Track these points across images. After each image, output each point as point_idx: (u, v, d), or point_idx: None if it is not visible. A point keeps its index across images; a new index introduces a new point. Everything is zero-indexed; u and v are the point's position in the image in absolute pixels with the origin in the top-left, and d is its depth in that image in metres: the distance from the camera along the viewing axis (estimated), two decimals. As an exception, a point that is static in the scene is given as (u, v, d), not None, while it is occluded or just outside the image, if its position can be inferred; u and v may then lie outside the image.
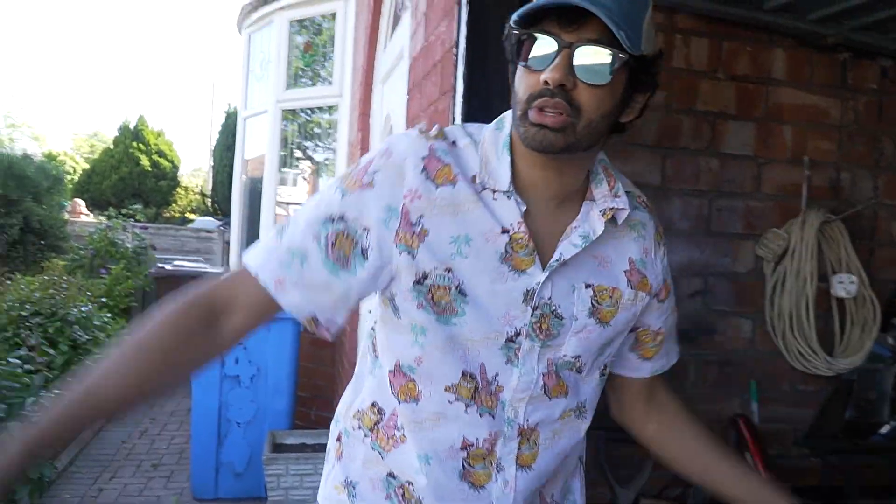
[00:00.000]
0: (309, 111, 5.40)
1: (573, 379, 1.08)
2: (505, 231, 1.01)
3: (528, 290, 1.02)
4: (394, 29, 3.41)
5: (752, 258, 2.67)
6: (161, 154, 23.50)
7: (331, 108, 5.05)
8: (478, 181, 1.00)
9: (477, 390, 1.05)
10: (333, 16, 4.77)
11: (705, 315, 2.63)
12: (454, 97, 1.53)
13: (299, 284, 0.97)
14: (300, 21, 5.13)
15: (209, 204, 22.30)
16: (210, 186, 23.43)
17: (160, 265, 7.70)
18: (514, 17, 0.97)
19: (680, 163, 2.58)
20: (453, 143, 1.02)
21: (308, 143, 5.68)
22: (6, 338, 4.56)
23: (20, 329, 4.62)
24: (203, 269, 7.61)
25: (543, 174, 1.03)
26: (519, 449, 1.07)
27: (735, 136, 2.62)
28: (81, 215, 17.16)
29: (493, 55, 1.46)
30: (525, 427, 1.07)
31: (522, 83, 0.97)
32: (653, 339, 1.16)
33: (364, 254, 0.97)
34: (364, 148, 3.69)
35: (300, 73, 5.21)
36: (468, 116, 1.50)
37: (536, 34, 0.96)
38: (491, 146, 1.03)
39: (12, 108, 50.46)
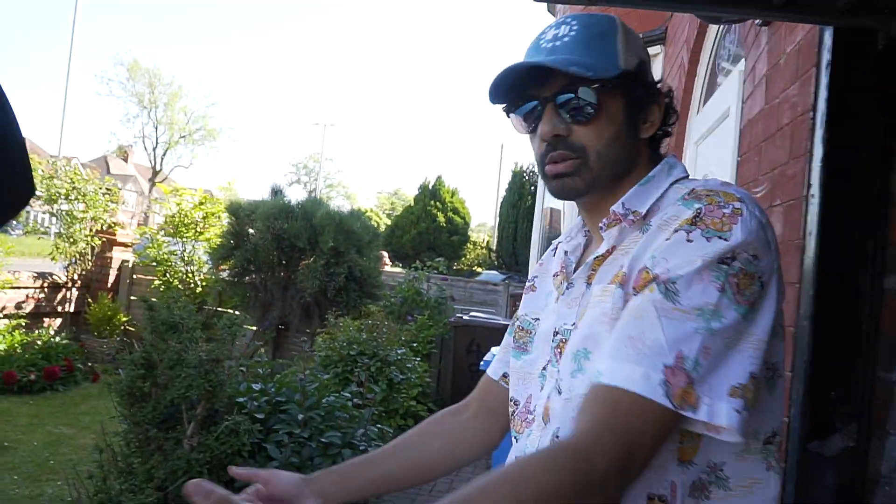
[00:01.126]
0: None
1: (556, 401, 1.02)
2: (555, 274, 1.15)
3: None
4: (709, 92, 3.39)
5: None
6: (455, 211, 25.31)
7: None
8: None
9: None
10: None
11: None
12: (810, 161, 1.49)
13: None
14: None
15: (494, 258, 23.46)
16: (495, 241, 24.69)
17: (458, 315, 8.24)
18: (491, 100, 1.06)
19: None
20: None
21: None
22: (337, 373, 5.21)
23: (349, 366, 5.25)
24: (495, 321, 7.99)
25: (589, 216, 1.12)
26: None
27: None
28: (386, 266, 19.04)
29: (853, 118, 1.41)
30: None
31: (534, 149, 1.08)
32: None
33: None
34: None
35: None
36: (826, 179, 1.46)
37: (517, 105, 1.06)
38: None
39: (329, 171, 58.06)
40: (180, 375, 3.38)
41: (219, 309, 8.51)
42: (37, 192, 9.27)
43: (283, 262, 8.38)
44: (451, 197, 25.54)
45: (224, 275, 8.58)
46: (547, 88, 1.02)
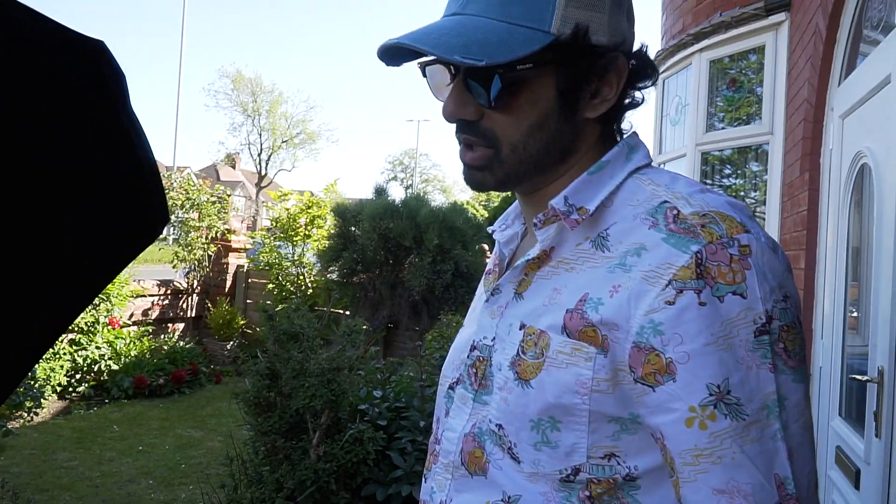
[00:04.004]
0: (726, 153, 5.17)
1: (502, 463, 0.79)
2: (489, 272, 0.94)
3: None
4: (852, 60, 3.06)
5: None
6: (554, 198, 25.00)
7: (754, 154, 4.76)
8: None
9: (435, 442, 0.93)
10: (762, 49, 4.50)
11: None
12: None
13: None
14: (720, 60, 4.96)
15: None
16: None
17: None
18: (387, 62, 0.82)
19: None
20: None
21: (724, 190, 5.44)
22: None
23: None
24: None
25: (524, 204, 0.91)
26: None
27: None
28: (488, 257, 19.00)
29: None
30: None
31: None
32: (666, 456, 0.75)
33: None
34: (812, 189, 3.36)
35: (721, 113, 5.02)
36: None
37: (428, 66, 0.82)
38: None
39: (425, 167, 58.60)
40: (304, 385, 3.37)
41: (331, 310, 8.63)
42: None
43: (390, 261, 8.42)
44: (550, 185, 25.21)
45: (333, 276, 8.70)
46: None
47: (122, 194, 0.78)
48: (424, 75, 0.85)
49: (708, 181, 5.24)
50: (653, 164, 0.87)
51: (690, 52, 5.06)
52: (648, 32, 9.50)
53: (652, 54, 0.88)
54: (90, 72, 0.72)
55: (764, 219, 4.47)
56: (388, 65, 0.83)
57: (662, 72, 5.65)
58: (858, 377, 2.25)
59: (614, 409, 0.75)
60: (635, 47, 0.87)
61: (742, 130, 4.72)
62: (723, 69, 4.96)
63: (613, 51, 0.81)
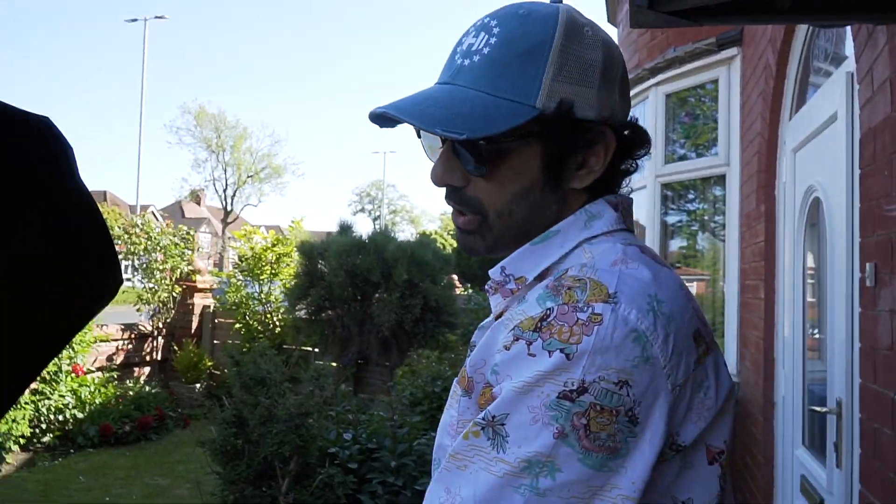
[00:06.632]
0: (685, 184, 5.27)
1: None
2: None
3: None
4: (802, 95, 3.17)
5: None
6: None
7: (714, 180, 4.86)
8: None
9: None
10: (715, 83, 4.63)
11: None
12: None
13: None
14: (677, 93, 5.09)
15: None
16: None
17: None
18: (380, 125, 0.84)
19: None
20: None
21: (687, 214, 5.54)
22: (423, 412, 5.11)
23: (434, 403, 5.14)
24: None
25: None
26: None
27: None
28: (457, 289, 18.98)
29: None
30: None
31: None
32: None
33: None
34: (769, 220, 3.44)
35: (679, 144, 5.13)
36: None
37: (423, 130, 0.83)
38: None
39: (392, 198, 58.71)
40: (272, 431, 3.33)
41: (300, 348, 8.55)
42: (118, 245, 9.58)
43: (358, 296, 8.38)
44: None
45: (301, 313, 8.63)
46: None
47: (75, 264, 0.79)
48: (419, 136, 0.88)
49: (672, 206, 5.34)
50: (622, 230, 0.87)
51: (647, 86, 5.18)
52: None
53: None
54: (37, 149, 0.74)
55: (724, 244, 4.56)
56: (381, 127, 0.86)
57: (621, 105, 5.75)
58: (818, 409, 2.29)
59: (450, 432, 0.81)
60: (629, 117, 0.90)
61: (699, 162, 4.83)
62: (681, 99, 5.08)
63: (601, 124, 0.83)
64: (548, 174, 0.82)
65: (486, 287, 0.87)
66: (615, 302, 0.72)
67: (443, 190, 0.88)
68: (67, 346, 7.48)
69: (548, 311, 0.72)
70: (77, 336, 7.64)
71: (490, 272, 0.86)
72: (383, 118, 0.83)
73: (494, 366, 0.74)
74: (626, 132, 0.87)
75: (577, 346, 0.69)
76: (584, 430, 0.67)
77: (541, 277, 0.83)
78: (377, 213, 56.87)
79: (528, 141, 0.81)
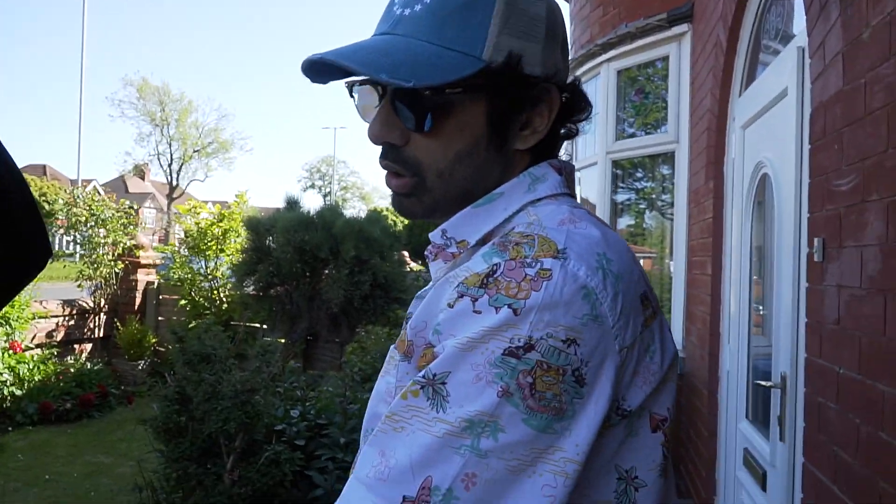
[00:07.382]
0: (637, 161, 5.31)
1: None
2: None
3: None
4: (752, 71, 3.19)
5: None
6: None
7: (662, 158, 4.90)
8: None
9: None
10: (665, 59, 4.64)
11: None
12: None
13: None
14: (627, 70, 5.09)
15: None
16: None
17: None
18: (313, 79, 0.78)
19: None
20: None
21: (636, 193, 5.58)
22: (372, 388, 5.07)
23: (384, 379, 5.11)
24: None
25: None
26: None
27: None
28: (408, 266, 18.95)
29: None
30: None
31: None
32: None
33: None
34: (717, 197, 3.48)
35: (629, 122, 5.15)
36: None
37: (356, 86, 0.80)
38: None
39: (343, 174, 58.13)
40: (216, 408, 3.25)
41: (248, 325, 8.41)
42: (59, 219, 9.25)
43: (307, 273, 8.26)
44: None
45: (249, 289, 8.48)
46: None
47: (3, 236, 0.80)
48: (352, 95, 0.82)
49: (622, 185, 5.37)
50: (566, 195, 0.83)
51: (598, 61, 5.17)
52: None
53: None
54: None
55: (672, 223, 4.61)
56: (313, 81, 0.79)
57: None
58: (763, 383, 2.32)
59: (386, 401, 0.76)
60: (569, 80, 0.85)
61: (649, 139, 4.85)
62: (631, 78, 5.09)
63: (546, 82, 0.79)
64: (492, 132, 0.78)
65: (426, 252, 0.83)
66: (564, 258, 0.69)
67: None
68: (4, 323, 7.22)
69: (494, 267, 0.69)
70: (14, 312, 7.39)
71: (430, 235, 0.82)
72: (318, 71, 0.77)
73: (437, 325, 0.70)
74: (565, 95, 0.83)
75: (524, 302, 0.66)
76: (529, 389, 0.64)
77: (483, 241, 0.79)
78: (328, 190, 56.26)
79: (474, 96, 0.76)
